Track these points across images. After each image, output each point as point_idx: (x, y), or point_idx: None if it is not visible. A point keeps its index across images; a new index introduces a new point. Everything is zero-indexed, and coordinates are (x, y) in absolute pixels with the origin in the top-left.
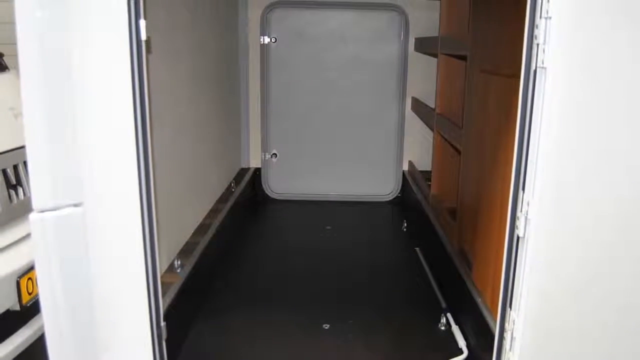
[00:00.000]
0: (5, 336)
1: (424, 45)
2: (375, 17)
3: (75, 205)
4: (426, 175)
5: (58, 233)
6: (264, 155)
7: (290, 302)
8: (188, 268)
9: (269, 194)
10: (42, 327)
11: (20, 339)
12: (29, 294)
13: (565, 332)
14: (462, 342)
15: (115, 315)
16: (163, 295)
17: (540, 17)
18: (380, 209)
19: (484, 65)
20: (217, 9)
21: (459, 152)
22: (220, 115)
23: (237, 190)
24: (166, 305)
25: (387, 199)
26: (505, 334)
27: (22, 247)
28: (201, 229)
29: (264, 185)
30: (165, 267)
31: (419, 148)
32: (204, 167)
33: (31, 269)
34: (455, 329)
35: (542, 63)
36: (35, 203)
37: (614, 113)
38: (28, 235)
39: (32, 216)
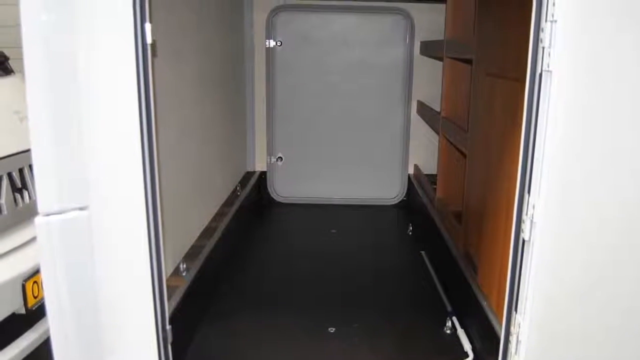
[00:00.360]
0: (10, 339)
1: (430, 49)
2: (380, 20)
3: (81, 208)
4: (432, 178)
5: (63, 236)
6: (270, 158)
7: (295, 305)
8: (193, 271)
9: (274, 198)
10: (47, 331)
11: (25, 342)
12: (35, 297)
13: (571, 335)
14: (467, 346)
15: (120, 319)
16: (168, 299)
17: (546, 20)
18: (386, 213)
19: (490, 68)
20: (222, 12)
21: (464, 155)
22: (225, 119)
23: (243, 194)
24: (172, 308)
25: (393, 203)
26: (510, 337)
27: (28, 251)
28: (207, 233)
29: (269, 189)
30: (170, 270)
31: (424, 151)
32: (210, 171)
33: (37, 272)
34: (461, 333)
35: (548, 66)
36: (41, 206)
37: (619, 116)
38: (34, 239)
39: (38, 219)
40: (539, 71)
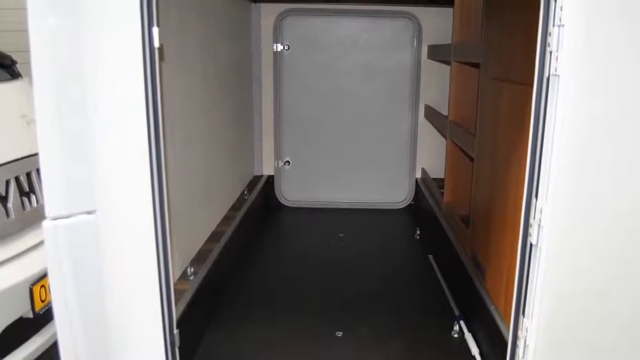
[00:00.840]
0: (18, 344)
1: (437, 53)
2: (388, 24)
3: (88, 212)
4: (439, 182)
5: (71, 240)
6: (277, 162)
7: (302, 309)
8: (201, 275)
9: (282, 202)
10: (54, 335)
11: (33, 346)
12: (42, 301)
13: (579, 340)
14: (475, 350)
15: (128, 323)
16: (176, 303)
17: (553, 25)
18: (394, 217)
19: (497, 72)
20: (230, 15)
21: (472, 159)
22: (233, 122)
23: (250, 198)
24: (179, 312)
25: (400, 207)
26: (518, 342)
27: (35, 255)
28: (214, 237)
29: (277, 193)
30: (178, 274)
31: (432, 155)
32: (217, 175)
33: (44, 276)
34: (468, 337)
35: (555, 71)
36: (48, 210)
37: (627, 120)
38: (41, 243)
39: (45, 223)
40: (546, 75)
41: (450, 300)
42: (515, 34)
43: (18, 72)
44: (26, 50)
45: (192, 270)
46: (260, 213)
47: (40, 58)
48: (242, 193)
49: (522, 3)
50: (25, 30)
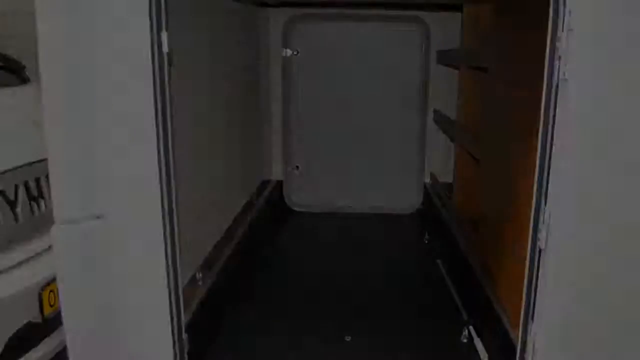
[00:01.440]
0: (27, 348)
1: (446, 58)
2: (397, 29)
3: (97, 217)
4: (448, 187)
5: (80, 245)
6: (286, 167)
7: (311, 313)
8: (210, 281)
9: (291, 207)
10: (63, 340)
11: (41, 351)
12: (51, 306)
13: (587, 344)
14: (484, 355)
15: (137, 328)
16: (185, 308)
17: (562, 29)
18: (402, 221)
19: (506, 77)
20: (239, 20)
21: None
22: (242, 127)
23: (259, 203)
24: (188, 317)
25: (409, 211)
26: (527, 347)
27: (44, 259)
28: (223, 242)
29: (286, 198)
30: (187, 279)
31: (441, 160)
32: (226, 180)
33: (53, 281)
34: (478, 342)
35: (564, 75)
36: (57, 215)
37: (636, 124)
38: (50, 248)
39: (54, 228)
40: (555, 80)
41: (459, 305)
42: (525, 38)
43: (27, 76)
44: (35, 55)
45: (200, 275)
46: (269, 218)
47: (49, 63)
48: (251, 198)
49: (531, 8)
50: (34, 35)
